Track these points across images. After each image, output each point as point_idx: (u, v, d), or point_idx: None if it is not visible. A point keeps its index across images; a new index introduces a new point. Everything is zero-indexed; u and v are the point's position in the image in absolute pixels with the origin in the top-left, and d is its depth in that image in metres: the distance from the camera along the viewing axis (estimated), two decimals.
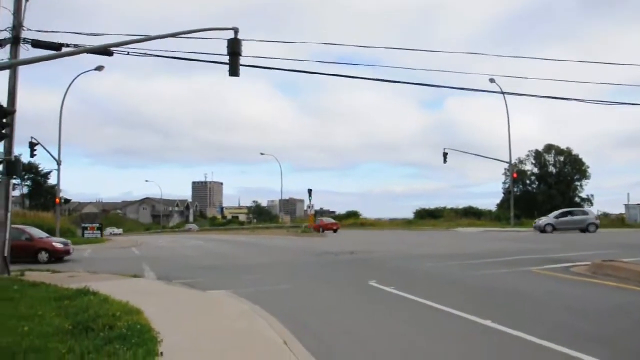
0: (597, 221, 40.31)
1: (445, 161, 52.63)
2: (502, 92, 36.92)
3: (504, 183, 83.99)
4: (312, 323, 9.23)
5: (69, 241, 27.39)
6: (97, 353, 6.38)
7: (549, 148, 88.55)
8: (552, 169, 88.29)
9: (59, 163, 39.38)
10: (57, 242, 25.01)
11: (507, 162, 56.95)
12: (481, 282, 13.82)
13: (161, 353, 6.63)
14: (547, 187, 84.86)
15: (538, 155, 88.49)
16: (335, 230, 58.30)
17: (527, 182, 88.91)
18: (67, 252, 24.69)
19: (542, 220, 42.26)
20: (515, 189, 67.40)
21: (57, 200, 42.15)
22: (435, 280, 14.47)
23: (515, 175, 64.88)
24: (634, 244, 26.37)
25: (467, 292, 12.25)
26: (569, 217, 41.43)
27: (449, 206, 79.41)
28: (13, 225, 26.12)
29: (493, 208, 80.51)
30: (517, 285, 12.99)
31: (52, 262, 22.83)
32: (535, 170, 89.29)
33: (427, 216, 75.54)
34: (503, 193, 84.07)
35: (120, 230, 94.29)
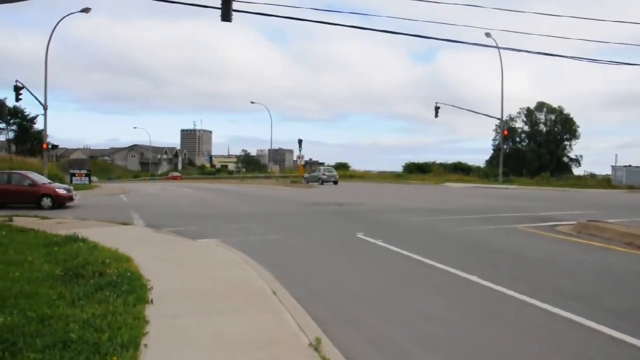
0: (324, 177, 54.04)
1: (437, 115, 52.39)
2: (498, 47, 36.56)
3: (494, 140, 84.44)
4: (300, 274, 9.35)
5: (71, 187, 27.16)
6: (88, 299, 6.43)
7: (540, 106, 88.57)
8: (542, 127, 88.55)
9: (45, 108, 38.79)
10: (60, 189, 24.65)
11: (498, 119, 56.87)
12: (468, 237, 13.99)
13: (151, 300, 6.69)
14: (536, 146, 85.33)
15: (529, 113, 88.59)
16: (180, 179, 75.38)
17: (517, 139, 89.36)
18: (70, 199, 24.46)
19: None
20: (505, 146, 67.61)
21: (45, 145, 41.66)
22: (423, 235, 14.63)
23: (506, 132, 64.96)
24: (621, 205, 26.77)
25: (454, 247, 12.41)
26: (310, 174, 56.81)
27: (438, 161, 79.65)
28: (17, 171, 26.05)
29: (482, 164, 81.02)
30: (503, 242, 13.17)
31: (55, 209, 22.66)
32: (526, 128, 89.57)
33: (416, 170, 75.76)
34: (493, 150, 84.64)
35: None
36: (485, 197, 32.81)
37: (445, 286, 8.48)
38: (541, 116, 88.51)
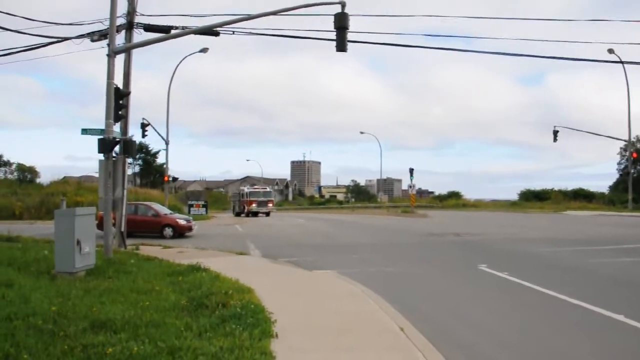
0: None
1: (555, 140, 49.72)
2: (622, 62, 34.11)
3: (619, 164, 78.30)
4: (425, 308, 8.88)
5: (190, 218, 28.35)
6: (214, 331, 6.39)
7: None
8: None
9: (167, 143, 40.87)
10: (181, 219, 26.01)
11: (624, 141, 52.93)
12: (603, 270, 12.83)
13: (276, 334, 6.54)
14: None
15: None
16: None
17: None
18: (190, 229, 25.53)
19: None
20: (632, 170, 62.65)
21: (166, 178, 44.03)
22: (551, 267, 13.61)
23: (635, 155, 60.22)
24: None
25: (588, 282, 11.40)
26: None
27: (556, 188, 75.19)
28: (142, 202, 27.69)
29: (605, 190, 75.39)
30: None
31: (175, 238, 23.76)
32: None
33: (533, 198, 71.94)
34: (620, 174, 78.50)
35: None
36: (615, 225, 30.37)
37: (587, 326, 7.68)
38: None
